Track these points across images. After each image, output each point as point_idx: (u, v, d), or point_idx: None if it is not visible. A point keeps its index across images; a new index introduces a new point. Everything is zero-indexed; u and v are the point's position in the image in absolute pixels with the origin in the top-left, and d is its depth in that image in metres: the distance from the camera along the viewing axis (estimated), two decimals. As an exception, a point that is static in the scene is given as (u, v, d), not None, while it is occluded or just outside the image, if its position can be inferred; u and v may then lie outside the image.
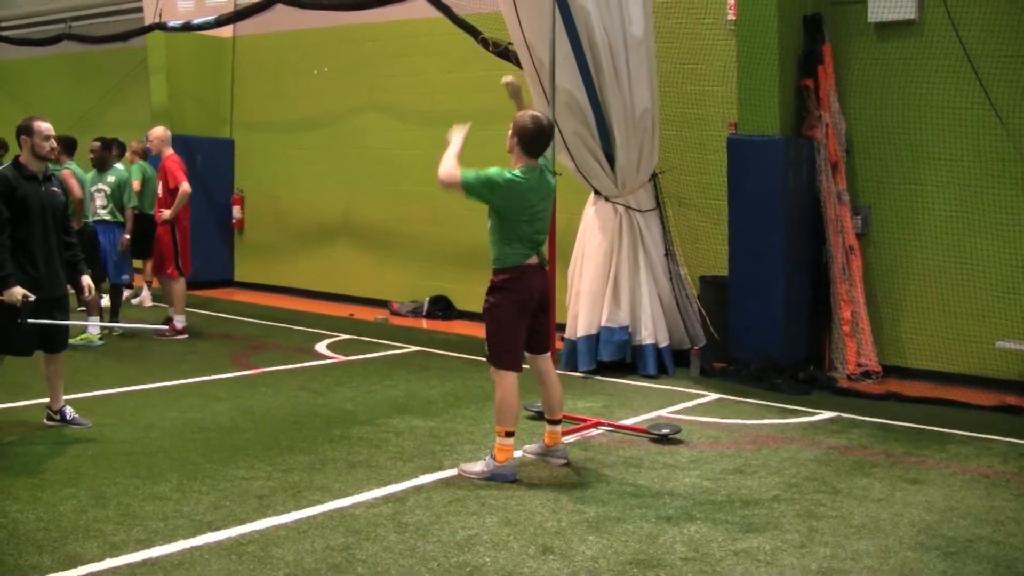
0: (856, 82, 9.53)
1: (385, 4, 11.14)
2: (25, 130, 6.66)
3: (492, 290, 5.96)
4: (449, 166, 5.81)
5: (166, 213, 10.68)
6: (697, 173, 10.14)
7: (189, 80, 15.16)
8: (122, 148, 12.26)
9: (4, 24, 18.74)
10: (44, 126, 6.68)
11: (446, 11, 10.69)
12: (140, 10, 15.07)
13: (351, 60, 13.72)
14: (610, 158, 9.17)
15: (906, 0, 9.17)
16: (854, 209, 9.49)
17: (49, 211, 6.69)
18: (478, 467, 5.96)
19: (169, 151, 11.02)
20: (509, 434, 5.91)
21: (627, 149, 9.14)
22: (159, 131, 11.21)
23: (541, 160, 6.03)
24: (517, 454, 6.18)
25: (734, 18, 9.60)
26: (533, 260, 5.97)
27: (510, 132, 5.96)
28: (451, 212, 12.50)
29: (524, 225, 5.89)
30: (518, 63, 9.29)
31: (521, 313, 5.93)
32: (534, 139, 5.88)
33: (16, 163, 6.68)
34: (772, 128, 9.23)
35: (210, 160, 15.11)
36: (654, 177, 9.73)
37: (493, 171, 5.83)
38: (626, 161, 9.19)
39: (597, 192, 9.46)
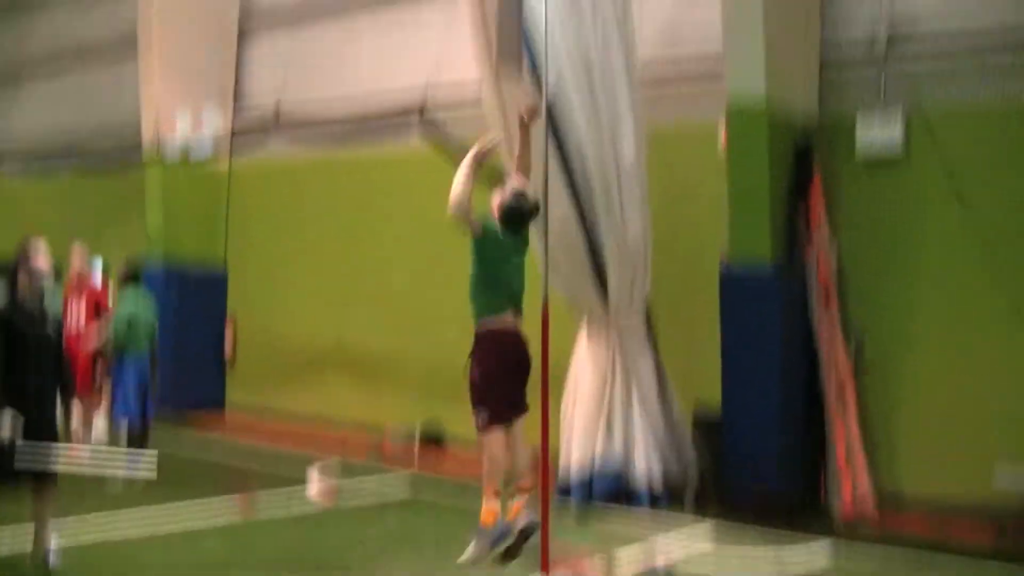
0: (847, 210, 9.65)
1: (379, 135, 11.37)
2: (22, 260, 6.66)
3: (473, 352, 6.17)
4: (459, 193, 6.15)
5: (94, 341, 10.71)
6: (689, 301, 10.19)
7: (184, 206, 15.31)
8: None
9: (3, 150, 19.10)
10: (40, 252, 6.72)
11: (441, 143, 10.88)
12: (138, 136, 15.33)
13: (347, 189, 13.88)
14: (603, 286, 9.25)
15: (893, 130, 9.40)
16: (847, 337, 9.51)
17: (44, 348, 6.63)
18: (476, 547, 5.89)
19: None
20: (497, 493, 5.94)
21: (619, 277, 9.22)
22: (83, 251, 11.30)
23: None
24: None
25: (725, 146, 9.79)
26: (509, 318, 6.18)
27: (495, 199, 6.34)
28: (447, 340, 12.40)
29: (500, 269, 6.17)
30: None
31: (501, 373, 6.07)
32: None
33: (12, 297, 6.64)
34: (764, 254, 9.31)
35: (204, 286, 15.20)
36: (646, 305, 9.79)
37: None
38: (618, 289, 9.27)
39: (590, 321, 9.50)
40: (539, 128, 7.70)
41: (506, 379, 6.11)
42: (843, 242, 9.63)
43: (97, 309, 11.11)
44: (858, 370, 9.45)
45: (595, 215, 8.96)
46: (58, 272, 11.83)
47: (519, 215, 6.20)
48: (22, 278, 6.65)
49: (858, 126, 9.56)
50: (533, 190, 6.34)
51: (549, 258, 7.96)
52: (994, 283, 8.87)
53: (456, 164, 10.65)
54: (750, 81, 9.20)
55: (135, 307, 10.27)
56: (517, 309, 6.23)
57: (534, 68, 7.94)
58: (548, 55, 7.75)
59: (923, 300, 9.26)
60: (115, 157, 15.70)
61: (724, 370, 9.40)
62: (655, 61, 10.39)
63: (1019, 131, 8.91)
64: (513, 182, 6.34)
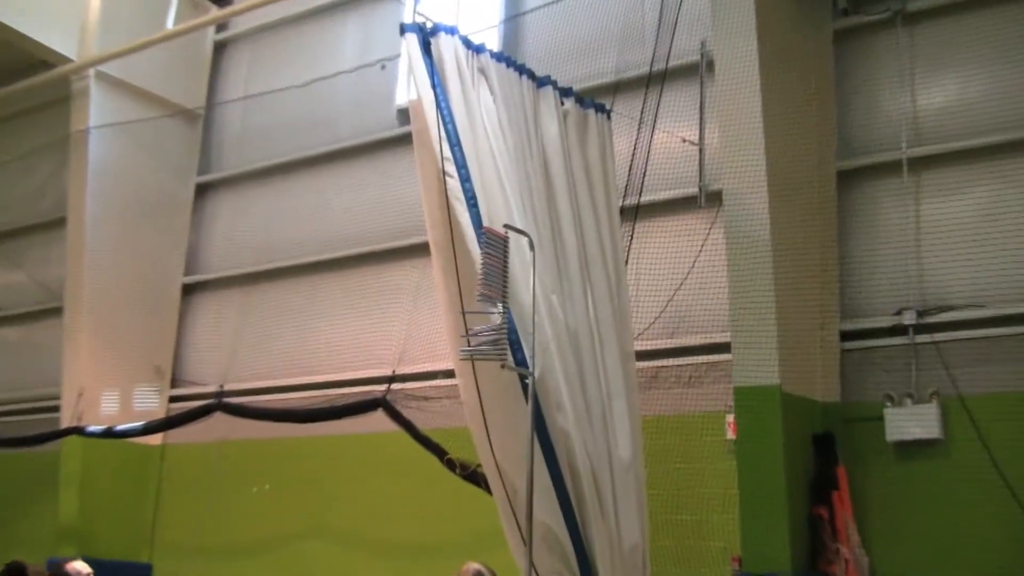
0: (877, 509, 9.77)
1: (338, 417, 11.57)
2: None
3: None
4: None
5: None
6: (697, 617, 10.14)
7: (106, 493, 15.18)
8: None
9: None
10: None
11: (407, 426, 11.04)
12: (56, 409, 15.47)
13: (296, 477, 13.93)
14: (595, 601, 9.17)
15: (928, 417, 9.65)
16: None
17: None
18: None
19: None
20: None
21: (615, 590, 9.16)
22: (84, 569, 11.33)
23: None
24: None
25: (734, 438, 9.98)
26: None
27: None
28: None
29: None
30: (488, 488, 9.48)
31: None
32: None
33: None
34: (782, 564, 9.28)
35: (122, 587, 14.96)
36: (647, 621, 9.70)
37: None
38: (614, 604, 9.19)
39: (581, 640, 9.37)
40: (524, 418, 7.94)
41: None
42: (874, 538, 9.69)
43: None
44: None
45: (586, 519, 8.97)
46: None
47: None
48: None
49: (887, 411, 9.84)
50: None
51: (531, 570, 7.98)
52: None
53: (419, 442, 10.96)
54: (761, 372, 9.51)
55: None
56: None
57: (516, 344, 8.13)
58: (534, 329, 8.11)
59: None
60: (29, 439, 15.72)
61: None
62: (656, 351, 10.90)
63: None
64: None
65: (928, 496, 9.60)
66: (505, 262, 7.74)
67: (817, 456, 9.89)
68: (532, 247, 8.14)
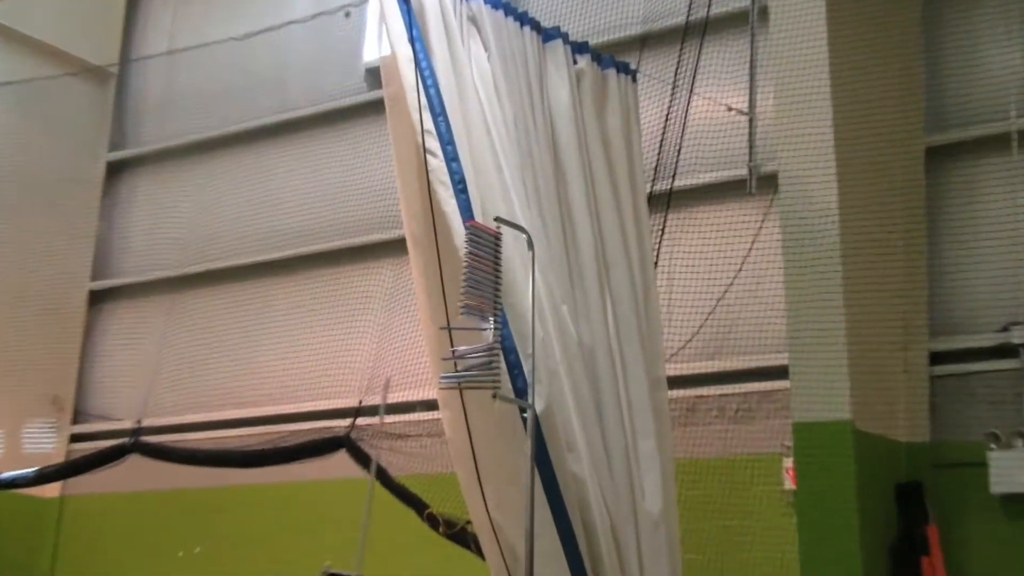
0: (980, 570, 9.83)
1: (290, 460, 11.64)
2: None
3: None
4: None
5: None
6: None
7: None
8: None
9: None
10: None
11: (378, 474, 11.11)
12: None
13: (236, 536, 14.02)
14: None
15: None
16: None
17: None
18: None
19: None
20: None
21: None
22: None
23: None
24: None
25: (793, 487, 10.07)
26: None
27: None
28: None
29: None
30: (479, 551, 9.55)
31: None
32: None
33: None
34: (858, 652, 9.40)
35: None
36: None
37: None
38: None
39: None
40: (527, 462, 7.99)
41: None
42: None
43: None
44: None
45: (604, 587, 9.06)
46: None
47: None
48: None
49: (992, 455, 9.87)
50: None
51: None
52: None
53: (392, 492, 11.02)
54: (827, 405, 9.55)
55: None
56: None
57: (515, 368, 8.14)
58: (534, 348, 8.15)
59: None
60: None
61: None
62: (693, 376, 11.01)
63: None
64: None
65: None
66: (496, 265, 7.64)
67: (901, 512, 9.96)
68: (531, 246, 8.13)
